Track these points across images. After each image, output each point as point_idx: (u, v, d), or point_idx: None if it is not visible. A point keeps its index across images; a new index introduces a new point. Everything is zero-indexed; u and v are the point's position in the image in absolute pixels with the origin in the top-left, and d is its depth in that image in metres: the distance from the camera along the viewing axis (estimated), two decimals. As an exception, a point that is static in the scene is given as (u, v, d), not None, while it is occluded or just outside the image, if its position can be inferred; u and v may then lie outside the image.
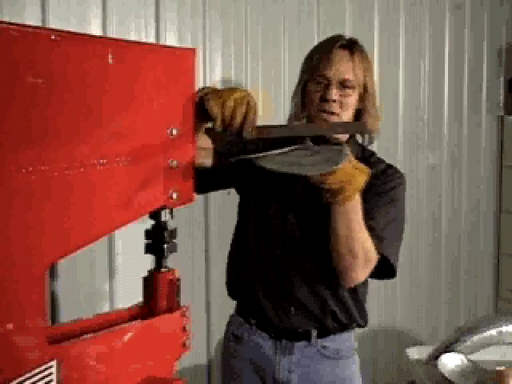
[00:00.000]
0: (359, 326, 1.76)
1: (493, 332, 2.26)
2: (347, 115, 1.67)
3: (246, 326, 1.77)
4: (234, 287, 1.81)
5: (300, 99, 1.73)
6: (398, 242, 1.65)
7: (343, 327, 1.72)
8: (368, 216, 1.56)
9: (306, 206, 1.67)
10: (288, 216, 1.69)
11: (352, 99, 1.66)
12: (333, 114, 1.64)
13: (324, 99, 1.64)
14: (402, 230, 1.68)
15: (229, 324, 1.85)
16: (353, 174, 1.37)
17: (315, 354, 1.71)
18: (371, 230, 1.56)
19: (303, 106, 1.72)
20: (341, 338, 1.73)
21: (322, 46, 1.73)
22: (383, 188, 1.67)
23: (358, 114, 1.71)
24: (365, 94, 1.68)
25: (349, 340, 1.76)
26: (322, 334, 1.71)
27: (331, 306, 1.69)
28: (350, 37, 1.74)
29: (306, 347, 1.70)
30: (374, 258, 1.56)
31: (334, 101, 1.64)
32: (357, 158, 1.69)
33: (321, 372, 1.71)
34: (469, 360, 2.16)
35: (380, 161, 1.75)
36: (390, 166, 1.74)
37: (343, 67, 1.65)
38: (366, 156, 1.74)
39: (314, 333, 1.70)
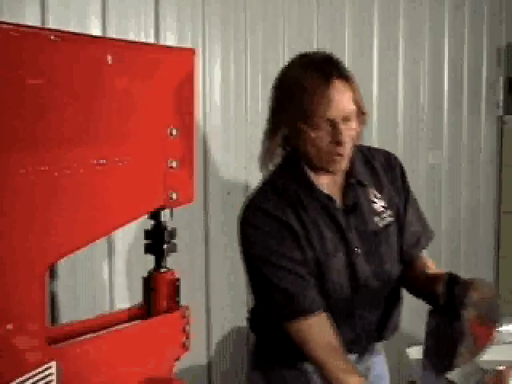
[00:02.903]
0: None
1: (493, 332, 2.26)
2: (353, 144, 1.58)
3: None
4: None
5: (280, 145, 1.59)
6: (423, 215, 1.75)
7: None
8: (414, 222, 1.69)
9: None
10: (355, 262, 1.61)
11: (356, 127, 1.55)
12: (345, 153, 1.54)
13: (337, 143, 1.50)
14: None
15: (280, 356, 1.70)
16: None
17: (369, 356, 1.74)
18: (420, 235, 1.69)
19: (294, 151, 1.58)
20: None
21: (309, 83, 1.50)
22: (406, 182, 1.72)
23: None
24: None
25: None
26: None
27: (390, 326, 1.73)
28: (323, 55, 1.57)
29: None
30: None
31: (347, 140, 1.52)
32: (363, 159, 1.68)
33: (375, 364, 1.75)
34: (469, 360, 2.16)
35: (375, 149, 1.74)
36: (386, 152, 1.75)
37: (345, 102, 1.51)
38: (365, 153, 1.70)
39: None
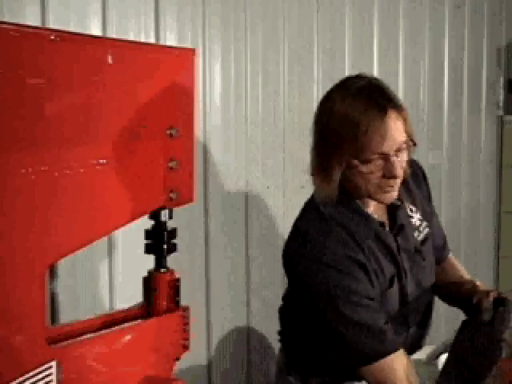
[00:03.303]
0: None
1: (493, 332, 2.26)
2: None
3: None
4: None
5: (338, 183, 1.47)
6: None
7: None
8: (438, 225, 1.71)
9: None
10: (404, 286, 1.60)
11: (406, 157, 1.47)
12: (396, 184, 1.47)
13: (390, 176, 1.43)
14: None
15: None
16: None
17: None
18: (444, 237, 1.73)
19: (342, 187, 1.49)
20: None
21: (365, 117, 1.40)
22: (429, 188, 1.74)
23: None
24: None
25: None
26: None
27: (426, 333, 1.75)
28: (370, 81, 1.49)
29: None
30: None
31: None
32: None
33: None
34: (469, 360, 2.16)
35: None
36: (409, 160, 1.63)
37: (398, 134, 1.42)
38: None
39: None
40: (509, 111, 3.39)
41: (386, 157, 1.41)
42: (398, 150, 1.43)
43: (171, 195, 1.26)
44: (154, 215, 1.29)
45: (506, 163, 3.41)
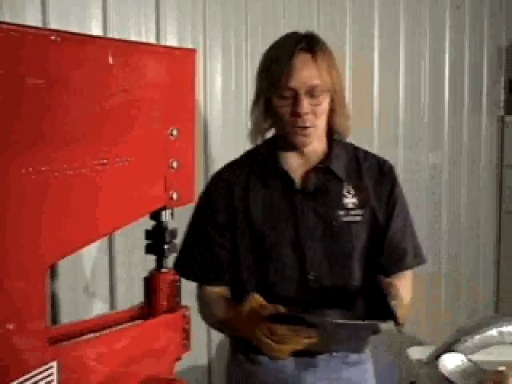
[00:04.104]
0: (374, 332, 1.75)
1: (493, 332, 2.26)
2: (322, 122, 1.58)
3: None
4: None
5: (262, 114, 1.61)
6: (417, 238, 1.72)
7: None
8: (399, 237, 1.65)
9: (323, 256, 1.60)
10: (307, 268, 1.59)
11: (324, 105, 1.56)
12: (307, 127, 1.55)
13: (296, 114, 1.53)
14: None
15: (239, 347, 1.73)
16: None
17: (339, 364, 1.66)
18: (406, 252, 1.66)
19: (269, 121, 1.63)
20: None
21: (278, 53, 1.56)
22: (395, 195, 1.66)
23: (328, 116, 1.61)
24: (333, 95, 1.57)
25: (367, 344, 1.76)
26: None
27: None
28: (305, 32, 1.59)
29: (329, 359, 1.65)
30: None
31: (307, 113, 1.53)
32: (351, 155, 1.67)
33: (346, 381, 1.67)
34: (469, 360, 2.16)
35: (373, 155, 1.70)
36: (384, 161, 1.70)
37: (308, 73, 1.52)
38: (357, 153, 1.68)
39: None
40: (509, 111, 3.39)
41: (296, 95, 1.52)
42: (312, 94, 1.53)
43: (172, 195, 1.26)
44: (155, 215, 1.29)
45: (506, 163, 3.41)
